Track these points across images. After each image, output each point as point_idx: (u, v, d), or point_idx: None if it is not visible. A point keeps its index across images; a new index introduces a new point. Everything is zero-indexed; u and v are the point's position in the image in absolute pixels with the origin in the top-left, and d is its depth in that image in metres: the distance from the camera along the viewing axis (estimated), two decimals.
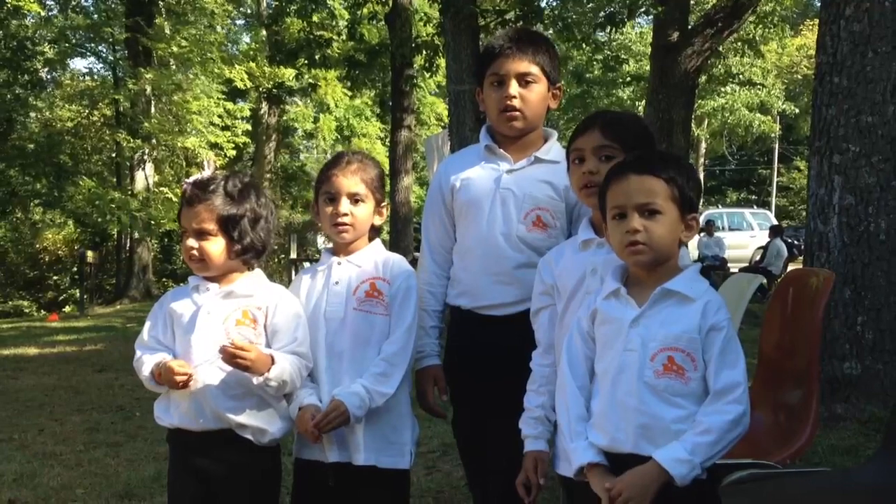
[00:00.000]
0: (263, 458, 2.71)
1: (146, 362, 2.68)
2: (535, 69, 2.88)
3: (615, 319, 2.22)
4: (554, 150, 2.95)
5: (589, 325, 2.30)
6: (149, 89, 23.20)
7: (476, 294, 2.94)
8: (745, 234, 25.28)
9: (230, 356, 2.49)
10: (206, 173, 2.78)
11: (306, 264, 18.56)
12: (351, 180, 2.83)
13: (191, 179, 2.75)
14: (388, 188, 28.89)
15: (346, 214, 2.81)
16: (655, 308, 2.18)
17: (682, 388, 2.12)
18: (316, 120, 31.84)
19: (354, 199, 2.82)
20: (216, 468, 2.66)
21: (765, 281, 14.88)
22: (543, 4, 15.20)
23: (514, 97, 2.86)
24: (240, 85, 25.71)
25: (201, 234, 2.66)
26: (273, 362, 2.58)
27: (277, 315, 2.70)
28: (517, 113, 2.88)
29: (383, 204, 2.94)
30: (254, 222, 2.72)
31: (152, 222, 22.99)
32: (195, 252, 2.66)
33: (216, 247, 2.66)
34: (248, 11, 33.55)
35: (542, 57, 2.90)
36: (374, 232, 2.95)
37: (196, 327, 2.66)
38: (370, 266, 2.84)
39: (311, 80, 25.67)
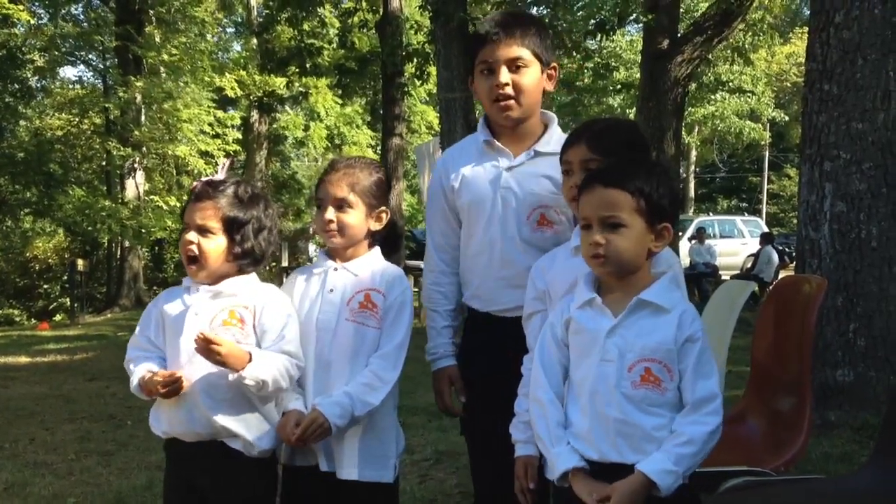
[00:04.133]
0: (257, 471, 2.67)
1: (136, 372, 2.64)
2: (525, 53, 2.78)
3: (590, 330, 2.22)
4: (554, 138, 2.86)
5: (563, 332, 2.29)
6: (139, 98, 23.17)
7: (488, 298, 2.88)
8: (736, 242, 25.30)
9: (205, 343, 2.44)
10: (220, 175, 2.75)
11: None
12: (336, 186, 2.78)
13: (204, 178, 2.74)
14: None
15: (330, 221, 2.77)
16: (631, 318, 2.18)
17: (659, 398, 2.13)
18: (306, 128, 31.83)
19: (339, 204, 2.77)
20: (207, 480, 2.63)
21: (756, 288, 14.93)
22: (534, 12, 15.23)
23: (507, 84, 2.77)
24: (230, 93, 25.69)
25: (203, 231, 2.64)
26: (250, 360, 2.53)
27: (266, 314, 2.66)
28: (511, 101, 2.79)
29: (380, 209, 2.85)
30: (257, 231, 2.71)
31: (143, 231, 22.93)
32: (193, 247, 2.62)
33: (216, 244, 2.64)
34: (239, 20, 33.57)
35: (531, 39, 2.80)
36: (375, 238, 2.88)
37: (184, 329, 2.63)
38: (366, 276, 2.79)
39: (301, 89, 25.70)
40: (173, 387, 2.53)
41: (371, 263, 2.83)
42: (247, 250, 2.68)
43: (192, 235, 2.64)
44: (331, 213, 2.77)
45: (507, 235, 2.81)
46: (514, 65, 2.78)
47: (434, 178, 3.06)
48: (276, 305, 2.69)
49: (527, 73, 2.80)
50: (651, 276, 2.25)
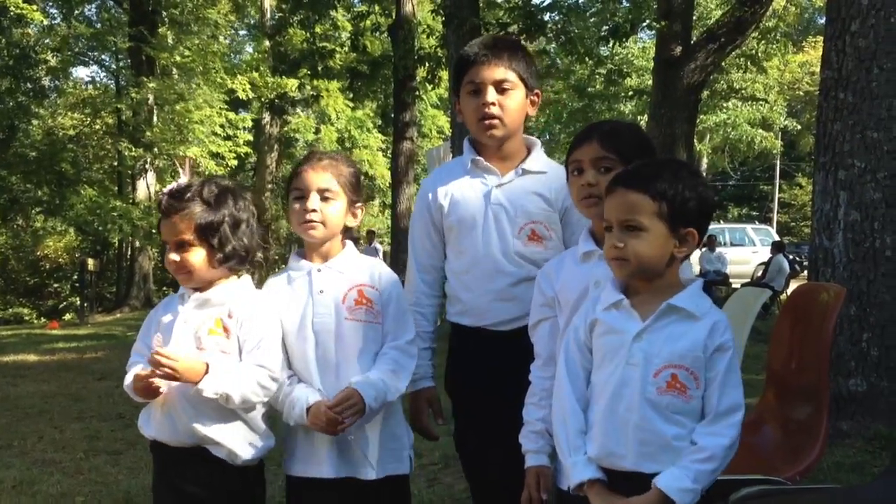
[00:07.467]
0: (242, 479, 2.63)
1: (130, 373, 2.62)
2: (511, 75, 2.82)
3: (617, 331, 2.19)
4: (540, 160, 2.91)
5: (586, 335, 2.26)
6: (151, 98, 23.27)
7: (479, 313, 2.88)
8: (746, 250, 25.29)
9: (156, 364, 2.41)
10: (182, 180, 2.69)
11: None
12: (321, 176, 2.70)
13: (166, 189, 2.66)
14: (388, 199, 28.94)
15: (314, 210, 2.67)
16: (660, 323, 2.15)
17: (684, 406, 2.10)
18: (317, 131, 31.87)
19: (324, 195, 2.69)
20: (192, 487, 2.59)
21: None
22: (546, 18, 15.23)
23: (493, 104, 2.80)
24: (242, 95, 25.72)
25: (181, 246, 2.59)
26: (207, 372, 2.47)
27: (247, 324, 2.60)
28: (496, 121, 2.81)
29: (358, 204, 2.79)
30: (234, 227, 2.63)
31: (153, 231, 22.97)
32: (174, 266, 2.60)
33: (197, 257, 2.59)
34: (252, 22, 33.66)
35: (518, 63, 2.84)
36: (348, 235, 2.83)
37: (172, 337, 2.60)
38: (353, 272, 2.74)
39: (313, 91, 25.72)
40: (153, 381, 2.49)
41: (352, 258, 2.79)
42: (229, 253, 2.62)
43: (173, 255, 2.61)
44: (315, 202, 2.68)
45: (498, 249, 2.84)
46: (501, 86, 2.83)
47: (420, 199, 3.05)
48: (258, 315, 2.63)
49: (512, 96, 2.85)
50: (680, 282, 2.23)
